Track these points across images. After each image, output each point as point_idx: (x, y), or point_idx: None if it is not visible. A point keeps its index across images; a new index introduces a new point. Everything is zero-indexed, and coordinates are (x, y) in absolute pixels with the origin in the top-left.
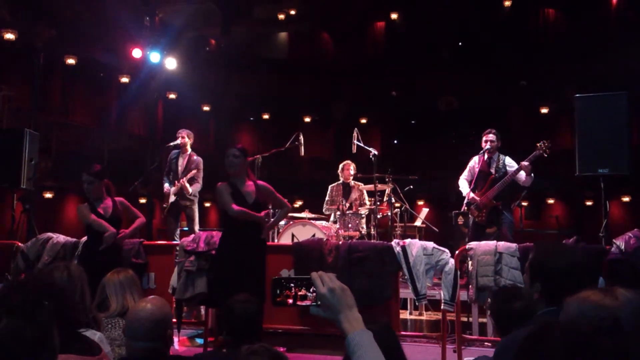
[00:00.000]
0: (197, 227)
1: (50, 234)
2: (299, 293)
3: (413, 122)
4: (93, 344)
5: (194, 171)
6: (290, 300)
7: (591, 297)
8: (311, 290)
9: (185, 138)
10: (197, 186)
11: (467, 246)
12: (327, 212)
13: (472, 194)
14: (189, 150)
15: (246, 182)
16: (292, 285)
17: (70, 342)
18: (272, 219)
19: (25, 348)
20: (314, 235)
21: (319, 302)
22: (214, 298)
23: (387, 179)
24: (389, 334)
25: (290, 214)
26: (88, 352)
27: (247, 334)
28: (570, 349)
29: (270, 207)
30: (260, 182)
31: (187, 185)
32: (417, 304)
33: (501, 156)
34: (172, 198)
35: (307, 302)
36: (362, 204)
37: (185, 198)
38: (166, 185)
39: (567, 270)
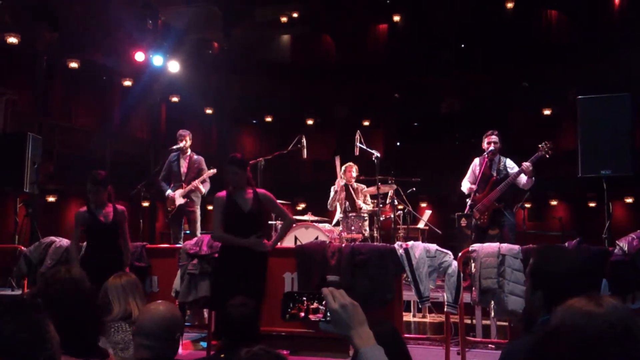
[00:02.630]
0: (199, 231)
1: (53, 238)
2: (311, 306)
3: (415, 124)
4: (103, 350)
5: (211, 171)
6: (302, 314)
7: (576, 304)
8: (323, 303)
9: (188, 141)
10: (207, 185)
11: (470, 248)
12: (333, 205)
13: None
14: (189, 150)
15: (246, 190)
16: (304, 298)
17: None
18: (273, 232)
19: (19, 349)
20: (316, 238)
21: (329, 318)
22: (216, 301)
23: (389, 181)
24: (395, 335)
25: (293, 217)
26: (99, 356)
27: (245, 338)
28: (578, 356)
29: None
30: (260, 191)
31: (200, 186)
32: (420, 306)
33: (502, 158)
34: (179, 201)
35: (319, 315)
36: (364, 204)
37: (191, 201)
38: (169, 191)
39: (569, 275)
